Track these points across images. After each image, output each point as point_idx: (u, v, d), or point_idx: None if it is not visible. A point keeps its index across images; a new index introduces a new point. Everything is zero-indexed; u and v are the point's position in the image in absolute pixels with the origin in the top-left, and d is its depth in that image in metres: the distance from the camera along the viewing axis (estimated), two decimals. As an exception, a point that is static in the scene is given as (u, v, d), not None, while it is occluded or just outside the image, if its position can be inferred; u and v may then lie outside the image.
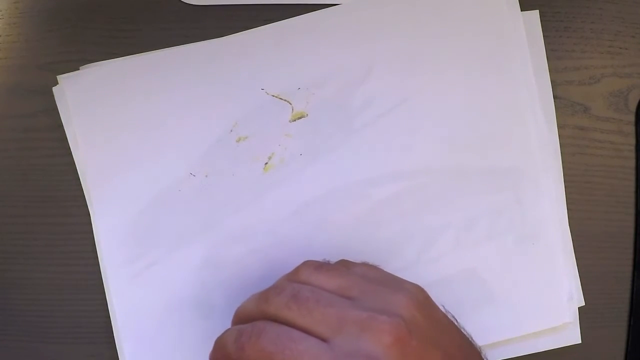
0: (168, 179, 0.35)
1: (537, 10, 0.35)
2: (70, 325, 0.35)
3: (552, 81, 0.35)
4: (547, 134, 0.35)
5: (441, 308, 0.27)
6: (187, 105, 0.35)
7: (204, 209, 0.34)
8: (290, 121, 0.35)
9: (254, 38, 0.35)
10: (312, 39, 0.35)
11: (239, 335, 0.25)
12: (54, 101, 0.35)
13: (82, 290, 0.35)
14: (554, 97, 0.35)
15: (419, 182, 0.34)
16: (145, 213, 0.34)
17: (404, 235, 0.34)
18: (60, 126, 0.35)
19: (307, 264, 0.28)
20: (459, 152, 0.34)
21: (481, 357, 0.28)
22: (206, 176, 0.35)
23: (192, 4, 0.36)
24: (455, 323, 0.28)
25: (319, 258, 0.29)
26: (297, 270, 0.28)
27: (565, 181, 0.35)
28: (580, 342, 0.34)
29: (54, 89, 0.35)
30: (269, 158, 0.35)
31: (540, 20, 0.35)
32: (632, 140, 0.36)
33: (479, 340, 0.28)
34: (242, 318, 0.27)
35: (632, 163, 0.36)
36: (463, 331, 0.28)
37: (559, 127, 0.35)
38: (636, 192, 0.36)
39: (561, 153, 0.35)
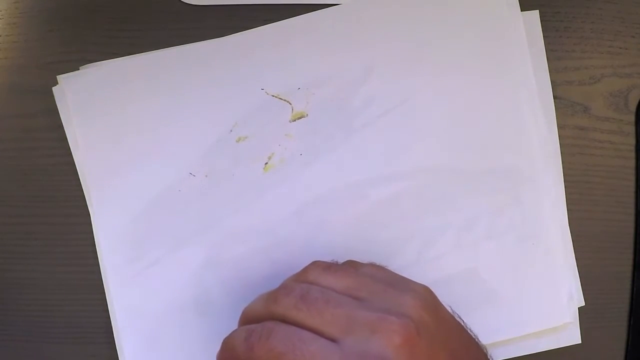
0: (168, 179, 0.35)
1: (537, 11, 0.35)
2: (71, 325, 0.35)
3: (552, 81, 0.35)
4: (547, 134, 0.35)
5: (448, 309, 0.27)
6: (187, 105, 0.35)
7: (204, 209, 0.34)
8: (290, 121, 0.35)
9: (254, 38, 0.35)
10: (312, 39, 0.35)
11: (248, 335, 0.25)
12: (54, 101, 0.35)
13: (82, 290, 0.35)
14: (554, 97, 0.35)
15: (419, 182, 0.34)
16: (146, 213, 0.34)
17: (404, 235, 0.34)
18: (60, 126, 0.35)
19: (316, 264, 0.28)
20: (459, 152, 0.34)
21: (487, 357, 0.28)
22: (206, 176, 0.35)
23: (192, 4, 0.36)
24: (462, 323, 0.28)
25: (319, 258, 0.29)
26: (305, 270, 0.28)
27: (565, 181, 0.35)
28: (580, 342, 0.34)
29: (54, 89, 0.35)
30: (269, 158, 0.35)
31: (540, 20, 0.35)
32: (632, 140, 0.36)
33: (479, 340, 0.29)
34: (249, 318, 0.27)
35: (632, 163, 0.36)
36: (469, 331, 0.28)
37: (559, 127, 0.35)
38: (636, 192, 0.36)
39: (561, 153, 0.35)
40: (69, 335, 0.35)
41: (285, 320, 0.25)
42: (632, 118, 0.36)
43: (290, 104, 0.35)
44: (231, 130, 0.35)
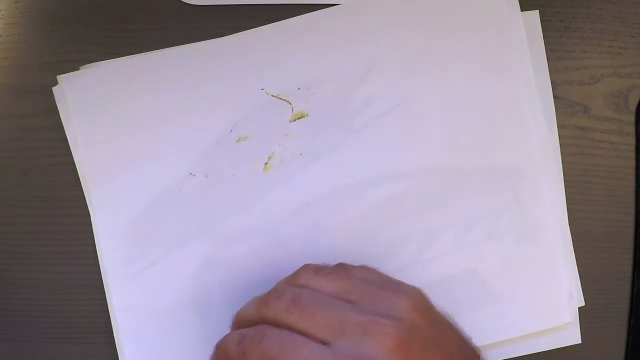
0: (168, 179, 0.35)
1: (537, 11, 0.35)
2: (70, 325, 0.35)
3: (552, 81, 0.35)
4: (547, 134, 0.35)
5: (440, 310, 0.27)
6: (187, 105, 0.35)
7: (204, 209, 0.34)
8: (290, 121, 0.35)
9: (254, 38, 0.35)
10: (312, 39, 0.35)
11: (240, 340, 0.25)
12: (54, 101, 0.35)
13: (82, 290, 0.35)
14: (554, 97, 0.35)
15: (418, 182, 0.34)
16: (145, 213, 0.34)
17: (404, 235, 0.34)
18: (60, 126, 0.35)
19: (307, 268, 0.28)
20: (459, 152, 0.34)
21: (480, 358, 0.28)
22: (206, 176, 0.35)
23: (192, 4, 0.36)
24: (455, 324, 0.28)
25: (319, 258, 0.29)
26: (296, 273, 0.28)
27: (565, 181, 0.35)
28: (580, 342, 0.34)
29: (54, 89, 0.35)
30: (269, 158, 0.35)
31: (540, 20, 0.35)
32: (632, 140, 0.36)
33: (479, 340, 0.28)
34: (241, 322, 0.27)
35: (632, 163, 0.36)
36: (462, 333, 0.28)
37: (559, 127, 0.35)
38: (636, 192, 0.36)
39: (561, 153, 0.35)
40: (68, 335, 0.35)
41: (277, 324, 0.25)
42: (632, 118, 0.36)
43: (290, 104, 0.35)
44: (231, 130, 0.35)
